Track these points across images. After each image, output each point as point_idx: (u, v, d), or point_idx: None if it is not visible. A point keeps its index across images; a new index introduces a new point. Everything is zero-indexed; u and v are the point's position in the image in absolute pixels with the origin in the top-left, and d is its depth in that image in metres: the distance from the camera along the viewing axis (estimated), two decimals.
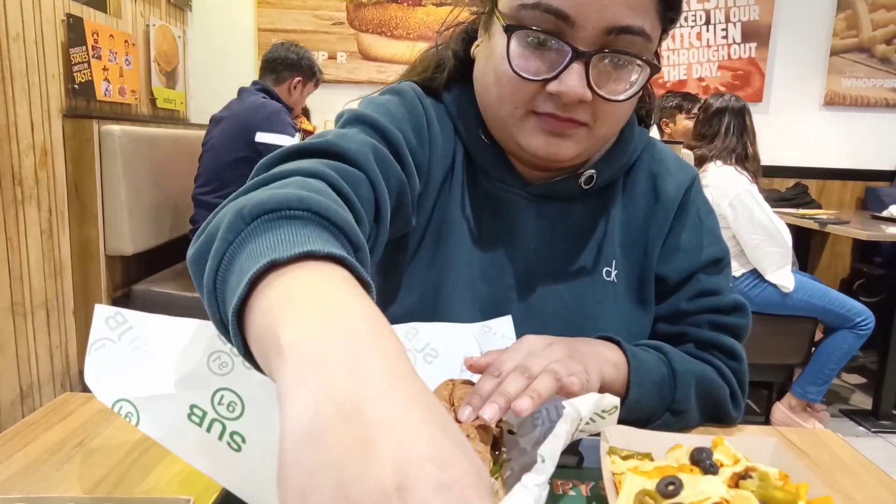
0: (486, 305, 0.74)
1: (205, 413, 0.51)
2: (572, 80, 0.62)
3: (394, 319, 0.64)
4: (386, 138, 0.66)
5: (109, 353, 0.53)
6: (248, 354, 0.38)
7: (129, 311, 0.55)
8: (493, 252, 0.77)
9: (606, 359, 0.66)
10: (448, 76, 0.78)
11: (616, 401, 0.56)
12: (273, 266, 0.37)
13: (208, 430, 0.51)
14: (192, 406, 0.51)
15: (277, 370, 0.32)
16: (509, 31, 0.64)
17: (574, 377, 0.55)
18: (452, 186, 0.77)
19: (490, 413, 0.51)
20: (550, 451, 0.49)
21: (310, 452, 0.28)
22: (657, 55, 0.70)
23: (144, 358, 0.53)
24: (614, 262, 0.78)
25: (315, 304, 0.34)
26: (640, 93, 0.67)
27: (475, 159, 0.77)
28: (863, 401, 2.99)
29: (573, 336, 0.66)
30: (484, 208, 0.77)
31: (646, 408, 0.68)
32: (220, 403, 0.51)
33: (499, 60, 0.66)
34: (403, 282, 0.76)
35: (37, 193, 2.14)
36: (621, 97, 0.65)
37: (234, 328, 0.38)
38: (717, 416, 0.75)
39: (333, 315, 0.33)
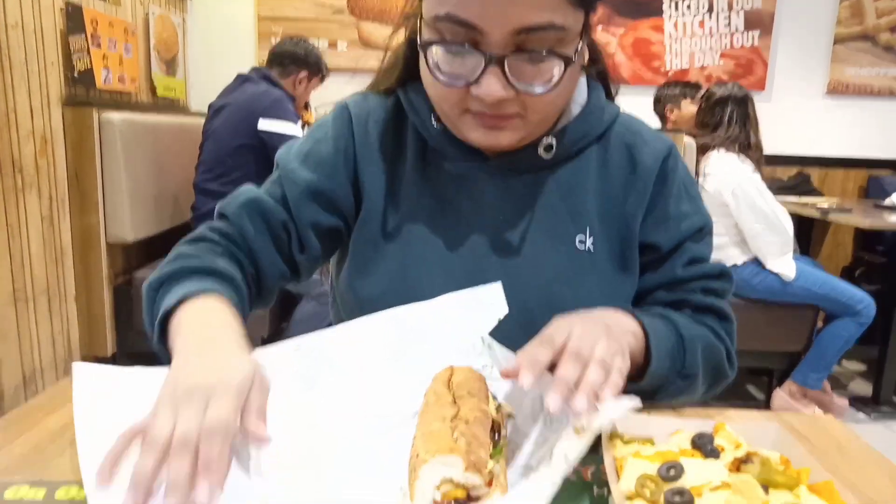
0: (459, 277, 0.76)
1: None
2: (490, 85, 0.65)
3: (370, 303, 0.76)
4: (288, 183, 0.79)
5: (94, 416, 0.54)
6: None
7: (107, 368, 0.59)
8: (459, 225, 0.79)
9: (630, 330, 0.67)
10: (401, 74, 0.82)
11: (637, 402, 0.53)
12: (181, 300, 0.64)
13: None
14: None
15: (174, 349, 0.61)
16: (423, 47, 0.68)
17: (619, 377, 0.55)
18: (409, 172, 0.80)
19: (580, 404, 0.51)
20: (575, 454, 0.49)
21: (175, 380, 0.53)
22: (588, 30, 0.69)
23: (127, 414, 0.52)
24: (588, 230, 0.78)
25: (193, 324, 0.62)
26: (564, 79, 0.67)
27: (431, 144, 0.80)
28: (863, 387, 3.00)
29: (552, 305, 0.68)
30: (446, 186, 0.80)
31: (661, 376, 0.70)
32: None
33: (426, 67, 0.69)
34: (371, 267, 0.79)
35: (37, 181, 2.14)
36: (542, 90, 0.66)
37: (158, 334, 0.65)
38: (717, 376, 0.78)
39: (203, 328, 0.62)
